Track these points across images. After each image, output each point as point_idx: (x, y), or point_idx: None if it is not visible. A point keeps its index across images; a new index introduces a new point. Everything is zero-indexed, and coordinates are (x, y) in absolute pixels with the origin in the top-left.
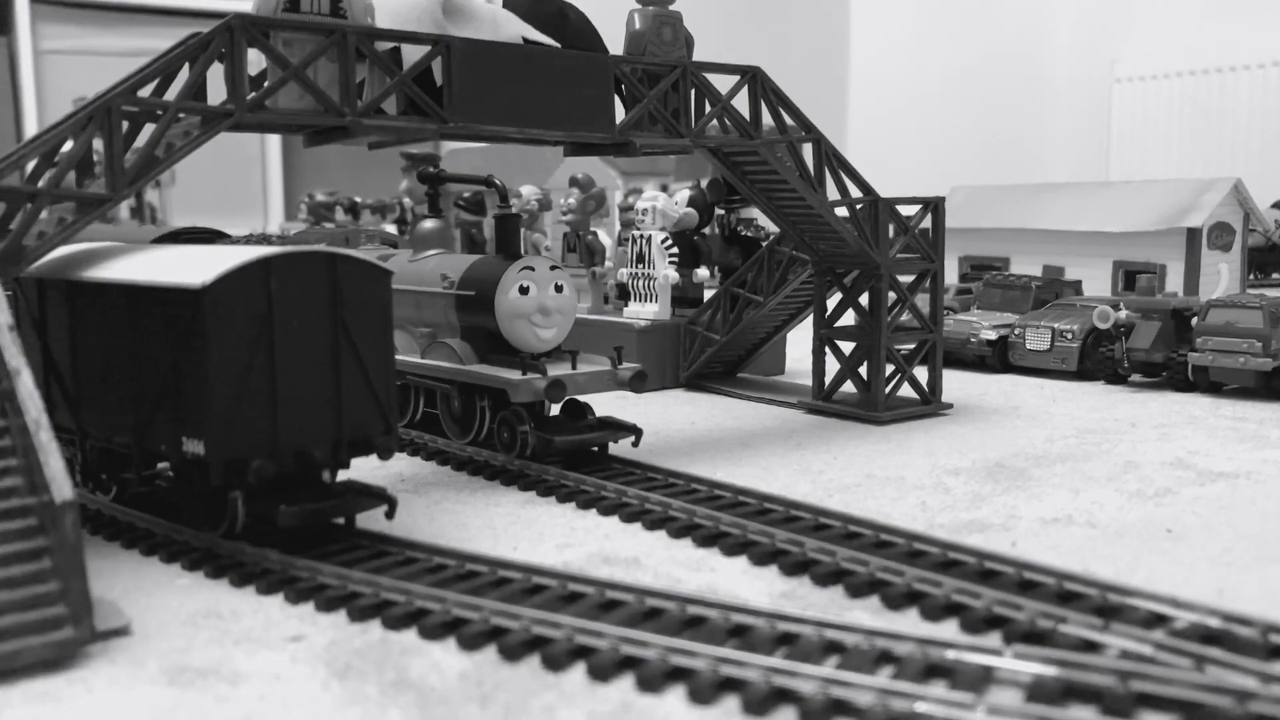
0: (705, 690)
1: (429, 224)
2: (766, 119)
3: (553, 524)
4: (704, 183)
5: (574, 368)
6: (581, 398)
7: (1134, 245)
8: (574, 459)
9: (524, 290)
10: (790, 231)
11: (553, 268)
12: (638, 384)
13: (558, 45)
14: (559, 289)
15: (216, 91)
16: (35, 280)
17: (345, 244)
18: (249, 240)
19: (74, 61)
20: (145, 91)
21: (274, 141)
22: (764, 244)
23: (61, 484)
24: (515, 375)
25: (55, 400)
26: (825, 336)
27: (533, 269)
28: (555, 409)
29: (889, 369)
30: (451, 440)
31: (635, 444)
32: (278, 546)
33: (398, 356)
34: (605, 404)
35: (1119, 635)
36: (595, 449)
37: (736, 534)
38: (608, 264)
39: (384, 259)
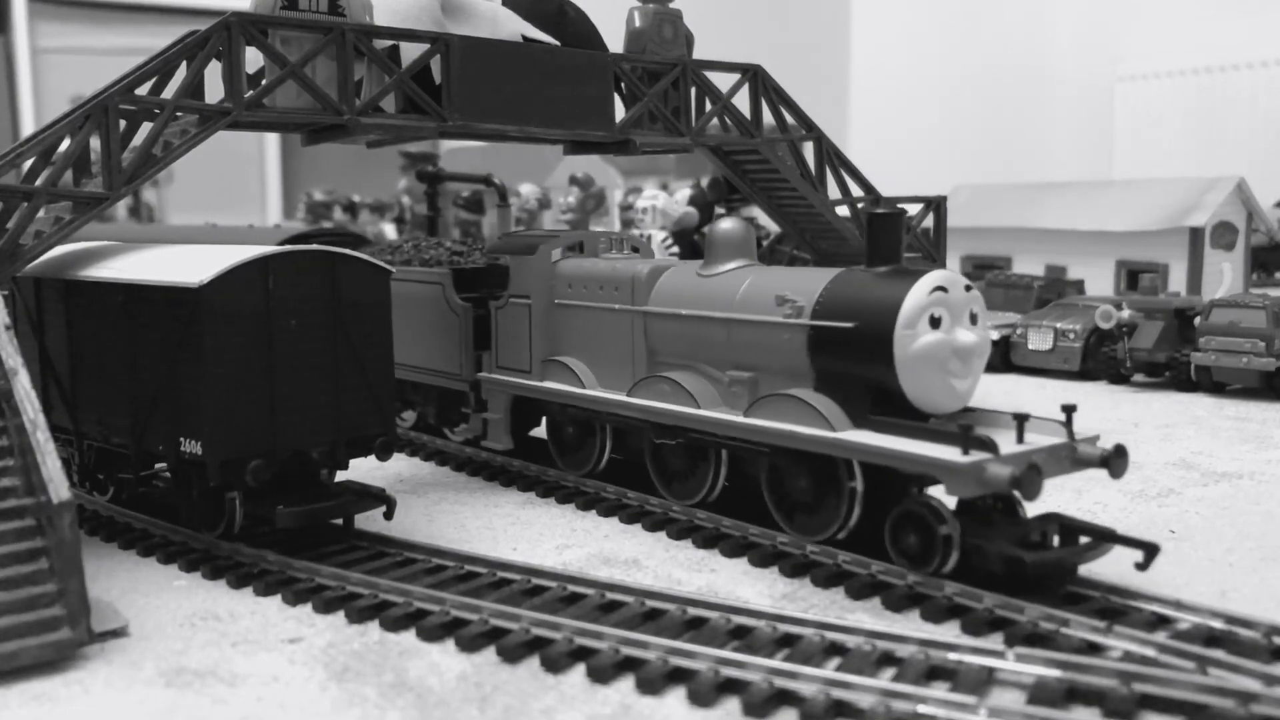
0: (706, 692)
1: (728, 224)
2: (767, 117)
3: (552, 525)
4: (704, 181)
5: (1020, 439)
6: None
7: (1137, 245)
8: (1014, 583)
9: (935, 322)
10: (791, 230)
11: (967, 288)
12: (1119, 466)
13: (557, 43)
14: (974, 319)
15: (214, 90)
16: (33, 280)
17: (580, 249)
18: (414, 248)
19: (71, 60)
20: (143, 90)
21: (272, 140)
22: (765, 243)
23: (59, 484)
24: (953, 455)
25: (52, 400)
26: None
27: (945, 290)
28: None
29: None
30: (791, 537)
31: (1144, 566)
32: (276, 547)
33: (691, 410)
34: None
35: (1122, 637)
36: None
37: (737, 535)
38: None
39: (657, 271)
